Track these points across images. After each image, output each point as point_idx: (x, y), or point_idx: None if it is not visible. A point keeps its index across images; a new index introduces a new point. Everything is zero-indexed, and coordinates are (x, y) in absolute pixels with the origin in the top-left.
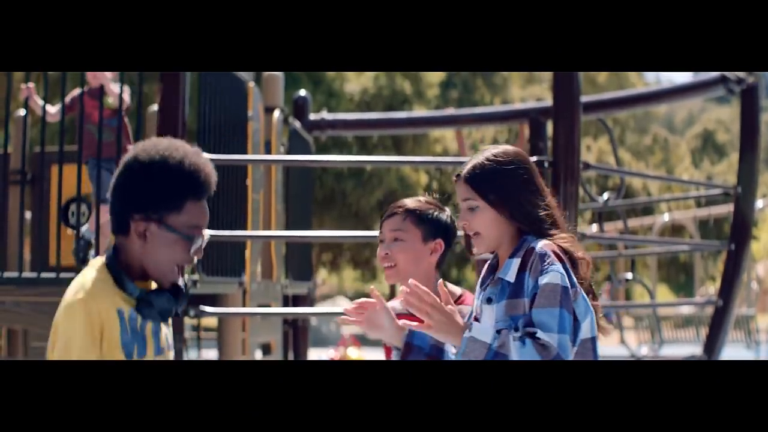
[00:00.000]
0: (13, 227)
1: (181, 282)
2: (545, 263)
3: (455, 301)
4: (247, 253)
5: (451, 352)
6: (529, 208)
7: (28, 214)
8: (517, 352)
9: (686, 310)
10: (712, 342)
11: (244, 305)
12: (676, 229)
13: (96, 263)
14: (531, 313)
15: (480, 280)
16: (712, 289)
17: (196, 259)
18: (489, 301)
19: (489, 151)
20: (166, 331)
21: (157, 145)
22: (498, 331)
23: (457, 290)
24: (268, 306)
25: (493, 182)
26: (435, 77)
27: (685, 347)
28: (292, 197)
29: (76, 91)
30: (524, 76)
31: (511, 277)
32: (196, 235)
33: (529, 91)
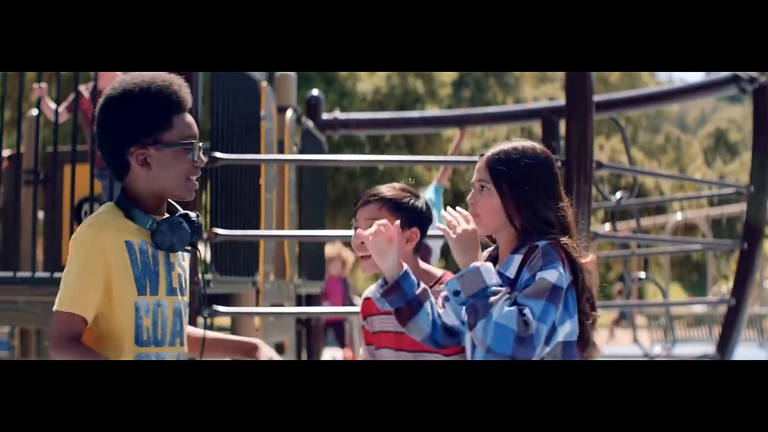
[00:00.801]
0: (26, 227)
1: (192, 214)
2: (546, 260)
3: (436, 282)
4: (260, 252)
5: (441, 295)
6: (539, 207)
7: (40, 214)
8: (500, 308)
9: (699, 309)
10: (725, 341)
11: (257, 305)
12: (688, 228)
13: (106, 204)
14: (516, 298)
15: None
16: (724, 288)
17: (199, 170)
18: None
19: (519, 143)
20: (181, 272)
21: (123, 81)
22: (501, 285)
23: (437, 272)
24: (281, 305)
25: (511, 172)
26: (447, 76)
27: (698, 346)
28: (305, 197)
29: (84, 88)
30: (536, 75)
31: (511, 273)
32: (193, 144)
33: (542, 90)
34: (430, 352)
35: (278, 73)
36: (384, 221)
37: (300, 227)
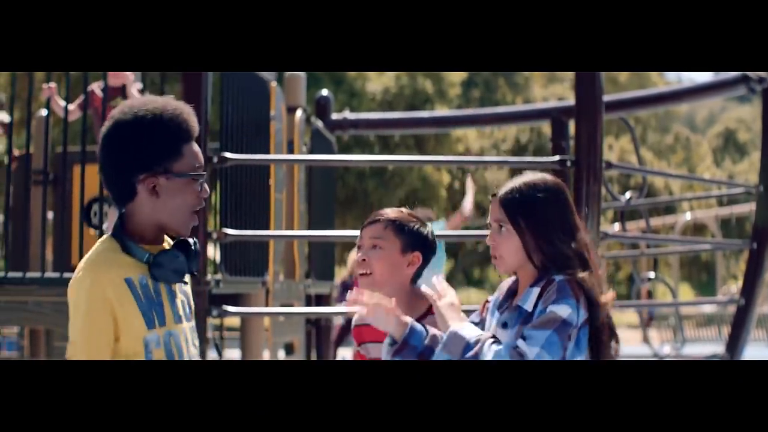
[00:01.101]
0: (36, 227)
1: (191, 240)
2: (559, 295)
3: (427, 310)
4: (270, 252)
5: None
6: (556, 243)
7: (50, 215)
8: (489, 353)
9: (708, 309)
10: (735, 341)
11: (266, 305)
12: (698, 228)
13: (103, 238)
14: (523, 329)
15: (496, 301)
16: (734, 288)
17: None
18: (504, 325)
19: (529, 177)
20: (183, 298)
21: (132, 106)
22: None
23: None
24: (291, 305)
25: (526, 208)
26: (457, 77)
27: (707, 346)
28: (314, 197)
29: (96, 86)
30: (546, 75)
31: (528, 306)
32: (201, 175)
33: (551, 90)
34: None
35: (288, 74)
36: (380, 296)
37: (309, 227)
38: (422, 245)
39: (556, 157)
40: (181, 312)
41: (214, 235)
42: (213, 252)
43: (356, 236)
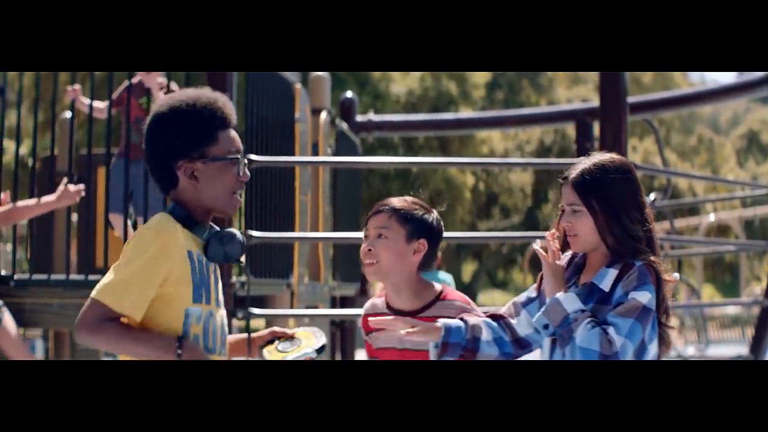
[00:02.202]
0: (60, 230)
1: (236, 231)
2: (641, 280)
3: (437, 297)
4: (295, 254)
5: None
6: (627, 224)
7: (74, 217)
8: (582, 332)
9: (732, 310)
10: (759, 342)
11: (291, 307)
12: (721, 230)
13: (160, 213)
14: (608, 316)
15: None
16: (757, 289)
17: (244, 183)
18: None
19: (598, 158)
20: (220, 286)
21: (170, 98)
22: (581, 311)
23: (438, 287)
24: (316, 307)
25: (598, 189)
26: (481, 78)
27: (731, 347)
28: (339, 198)
29: (124, 86)
30: (570, 76)
31: (605, 286)
32: (239, 158)
33: (575, 91)
34: None
35: (312, 76)
36: (400, 320)
37: (334, 229)
38: (427, 232)
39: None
40: (220, 297)
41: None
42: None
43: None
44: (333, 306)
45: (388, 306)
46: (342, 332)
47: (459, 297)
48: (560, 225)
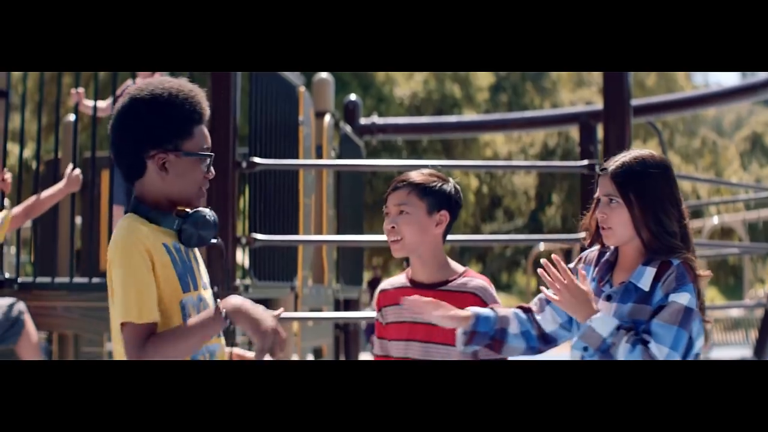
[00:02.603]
0: (64, 233)
1: (206, 210)
2: (681, 281)
3: (458, 276)
4: (299, 257)
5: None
6: (663, 219)
7: (78, 220)
8: (624, 353)
9: (736, 312)
10: (762, 344)
11: (295, 310)
12: (725, 232)
13: (123, 218)
14: (651, 322)
15: (590, 271)
16: (761, 291)
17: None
18: (609, 298)
19: (638, 152)
20: (202, 267)
21: (149, 84)
22: (618, 328)
23: (459, 268)
24: (320, 310)
25: (636, 183)
26: (484, 81)
27: (734, 350)
28: (343, 201)
29: (128, 83)
30: (573, 79)
31: (644, 285)
32: (211, 155)
33: (579, 94)
34: (439, 344)
35: (316, 78)
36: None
37: (338, 232)
38: (447, 203)
39: (585, 162)
40: (205, 279)
41: (243, 240)
42: (242, 257)
43: (384, 241)
44: (337, 309)
45: (411, 281)
46: (346, 335)
47: (481, 277)
48: (594, 216)
